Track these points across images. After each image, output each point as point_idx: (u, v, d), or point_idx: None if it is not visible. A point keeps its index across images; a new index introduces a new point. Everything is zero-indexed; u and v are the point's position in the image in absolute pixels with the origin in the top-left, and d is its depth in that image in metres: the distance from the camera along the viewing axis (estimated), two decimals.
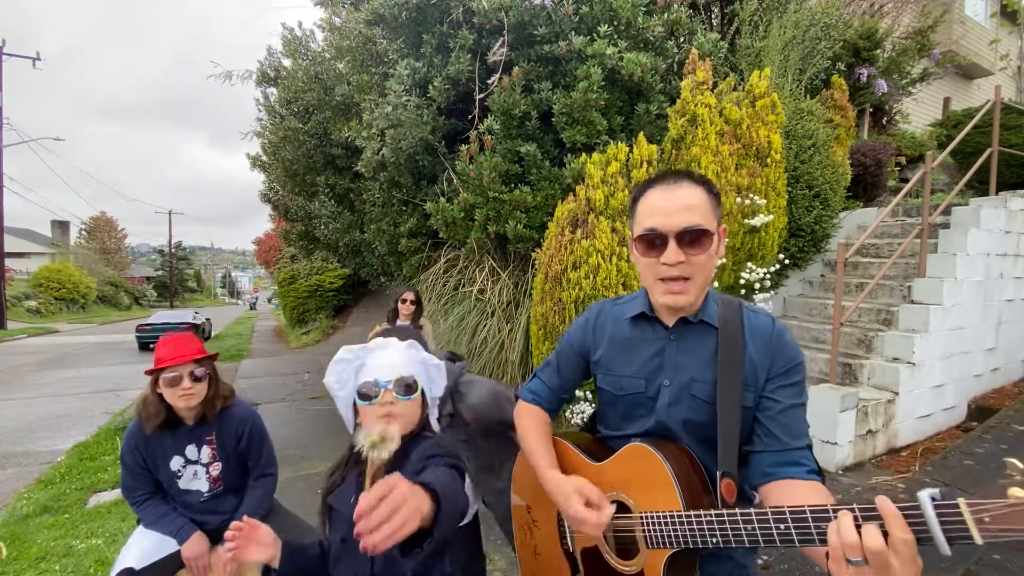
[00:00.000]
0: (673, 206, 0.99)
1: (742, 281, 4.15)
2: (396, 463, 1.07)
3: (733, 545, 0.88)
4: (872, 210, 5.68)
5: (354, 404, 1.18)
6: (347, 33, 6.08)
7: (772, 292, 4.41)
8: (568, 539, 1.20)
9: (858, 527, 0.70)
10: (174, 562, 1.80)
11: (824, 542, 0.74)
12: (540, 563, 1.28)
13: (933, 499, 0.66)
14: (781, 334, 1.05)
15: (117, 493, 3.92)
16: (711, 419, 1.01)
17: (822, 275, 5.32)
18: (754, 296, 4.25)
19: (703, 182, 1.03)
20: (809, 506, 0.79)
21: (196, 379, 1.78)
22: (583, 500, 1.02)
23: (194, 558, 1.78)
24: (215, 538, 1.85)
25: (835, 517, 0.73)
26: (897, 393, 3.90)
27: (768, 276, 4.17)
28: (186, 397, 1.77)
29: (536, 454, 1.18)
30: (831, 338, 3.87)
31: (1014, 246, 4.91)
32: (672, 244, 0.98)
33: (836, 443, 3.55)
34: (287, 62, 7.60)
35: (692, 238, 0.97)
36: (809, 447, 1.00)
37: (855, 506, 0.73)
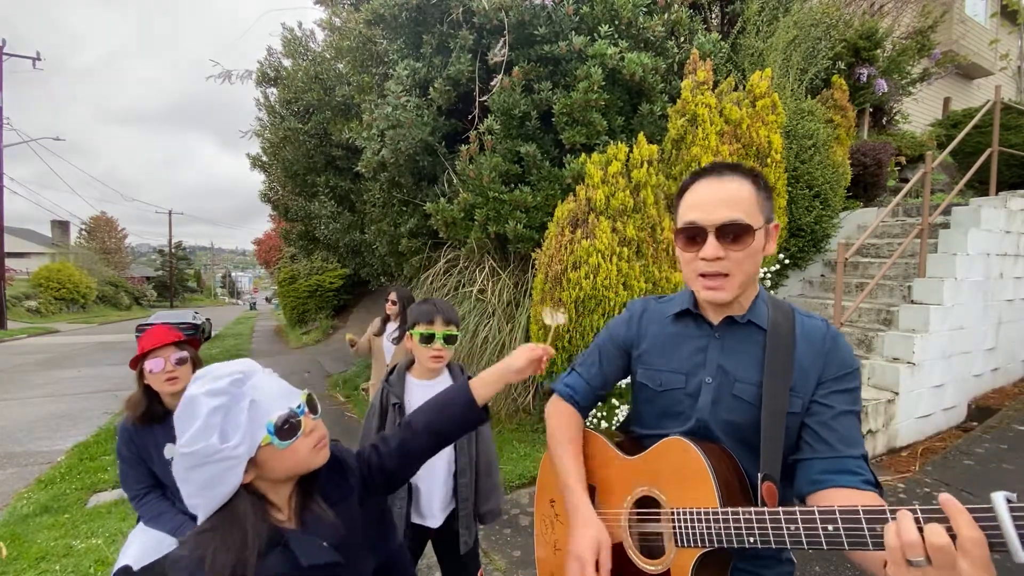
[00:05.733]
0: (715, 199, 0.97)
1: None
2: (324, 490, 0.97)
3: (773, 546, 0.82)
4: (872, 210, 5.68)
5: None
6: (347, 33, 6.08)
7: (772, 292, 4.41)
8: None
9: (920, 528, 0.65)
10: None
11: (877, 546, 0.70)
12: (560, 559, 1.20)
13: (1008, 500, 0.61)
14: (835, 339, 1.01)
15: (117, 493, 3.92)
16: (754, 422, 0.98)
17: (822, 275, 5.32)
18: None
19: (752, 175, 1.00)
20: (862, 506, 0.74)
21: (178, 363, 1.81)
22: (596, 552, 0.99)
23: None
24: None
25: (893, 518, 0.68)
26: (897, 393, 3.90)
27: (768, 276, 4.17)
28: (171, 382, 1.78)
29: (565, 464, 1.12)
30: None
31: (1014, 246, 4.91)
32: (711, 239, 0.96)
33: None
34: (287, 62, 7.60)
35: (732, 233, 0.95)
36: (865, 457, 0.93)
37: (916, 507, 0.68)
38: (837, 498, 0.88)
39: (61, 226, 38.08)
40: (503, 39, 4.44)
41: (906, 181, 6.72)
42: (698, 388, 1.05)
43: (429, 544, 1.90)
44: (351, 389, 7.29)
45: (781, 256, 4.36)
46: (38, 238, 37.71)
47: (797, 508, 0.82)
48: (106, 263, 37.41)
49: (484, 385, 1.12)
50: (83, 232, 41.42)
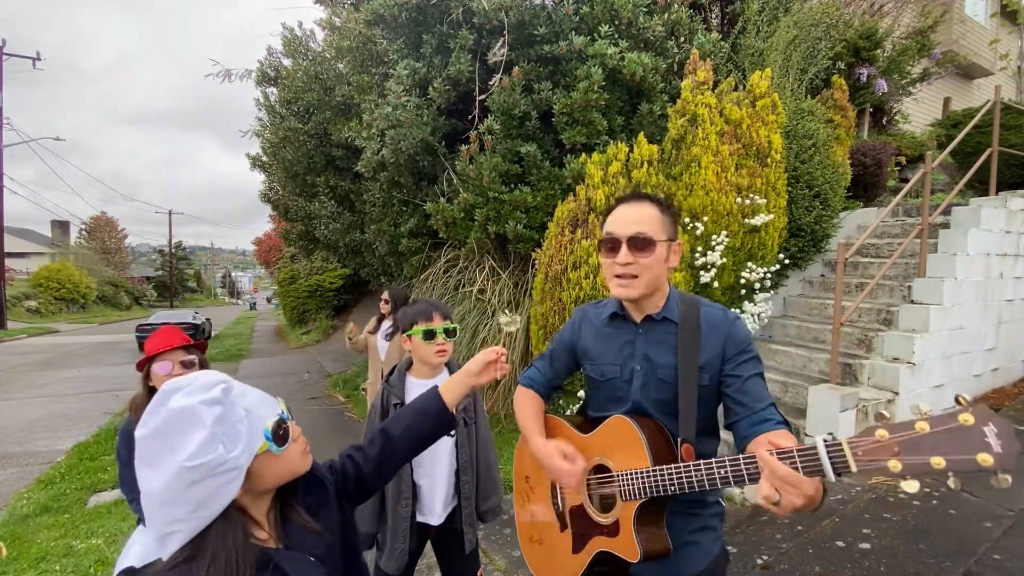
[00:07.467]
0: (629, 218, 1.25)
1: (742, 281, 4.15)
2: (304, 499, 0.97)
3: (686, 490, 1.10)
4: (872, 210, 5.68)
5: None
6: (347, 33, 6.08)
7: (772, 292, 4.41)
8: (558, 500, 1.42)
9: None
10: None
11: (753, 479, 0.98)
12: (535, 523, 1.51)
13: (825, 440, 0.88)
14: (732, 322, 1.26)
15: (117, 493, 3.92)
16: (675, 397, 1.23)
17: (822, 275, 5.32)
18: (754, 296, 4.25)
19: (658, 202, 1.28)
20: (743, 455, 1.03)
21: (186, 366, 1.78)
22: (561, 455, 1.26)
23: None
24: None
25: (745, 466, 1.01)
26: (897, 393, 3.90)
27: (768, 276, 4.17)
28: None
29: (528, 426, 1.42)
30: (831, 338, 3.87)
31: (1014, 246, 4.91)
32: (624, 248, 1.23)
33: None
34: (287, 62, 7.59)
35: (640, 244, 1.22)
36: (773, 405, 1.18)
37: (772, 451, 0.93)
38: (764, 440, 1.07)
39: (61, 226, 38.07)
40: (503, 39, 4.44)
41: (906, 181, 6.72)
42: (631, 376, 1.30)
43: (428, 544, 1.90)
44: (351, 389, 7.29)
45: (781, 256, 4.36)
46: (38, 238, 37.71)
47: (702, 461, 1.08)
48: (106, 263, 37.39)
49: (451, 391, 1.21)
50: (83, 232, 41.40)
